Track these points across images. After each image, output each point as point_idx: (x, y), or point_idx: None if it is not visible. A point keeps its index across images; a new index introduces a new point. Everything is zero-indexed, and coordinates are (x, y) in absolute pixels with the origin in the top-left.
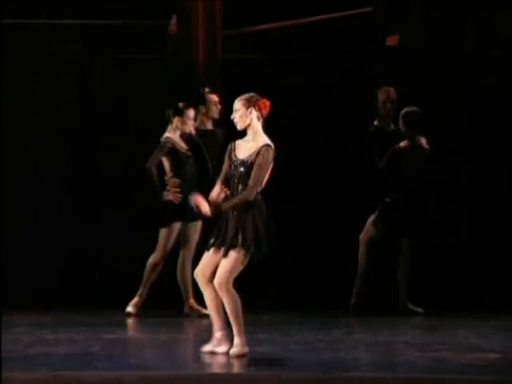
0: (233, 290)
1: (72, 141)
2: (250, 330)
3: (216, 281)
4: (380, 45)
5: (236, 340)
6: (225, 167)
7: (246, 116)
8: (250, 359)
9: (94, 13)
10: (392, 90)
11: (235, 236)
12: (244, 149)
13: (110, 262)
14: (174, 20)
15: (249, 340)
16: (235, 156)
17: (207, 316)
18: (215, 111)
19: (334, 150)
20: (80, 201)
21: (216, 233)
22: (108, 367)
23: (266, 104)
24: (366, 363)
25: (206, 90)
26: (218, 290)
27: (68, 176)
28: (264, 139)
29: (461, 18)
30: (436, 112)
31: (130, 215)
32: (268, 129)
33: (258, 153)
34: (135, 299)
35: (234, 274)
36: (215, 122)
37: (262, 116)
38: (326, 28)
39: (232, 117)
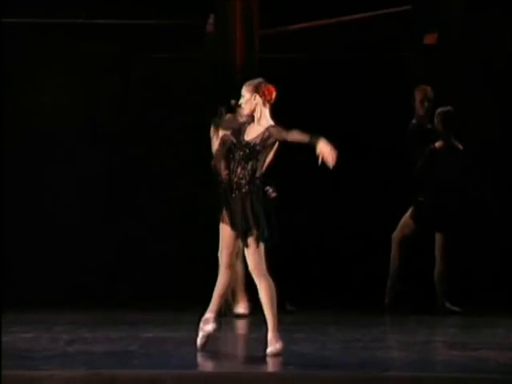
0: (268, 276)
1: (111, 140)
2: (287, 329)
3: (250, 267)
4: (418, 43)
5: (269, 336)
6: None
7: (251, 102)
8: (288, 358)
9: (132, 13)
10: (429, 88)
11: (242, 224)
12: (250, 132)
13: (147, 261)
14: (211, 19)
15: (286, 339)
16: (242, 138)
17: (243, 316)
18: None
19: (375, 149)
20: (119, 199)
21: (229, 221)
22: (146, 366)
23: (270, 90)
24: (404, 363)
25: None
26: (254, 276)
27: (105, 176)
28: (268, 122)
29: (500, 17)
30: (473, 111)
31: (169, 214)
32: (302, 125)
33: (264, 133)
34: (242, 301)
35: (262, 256)
36: None
37: (267, 102)
38: (363, 26)
39: (240, 102)
